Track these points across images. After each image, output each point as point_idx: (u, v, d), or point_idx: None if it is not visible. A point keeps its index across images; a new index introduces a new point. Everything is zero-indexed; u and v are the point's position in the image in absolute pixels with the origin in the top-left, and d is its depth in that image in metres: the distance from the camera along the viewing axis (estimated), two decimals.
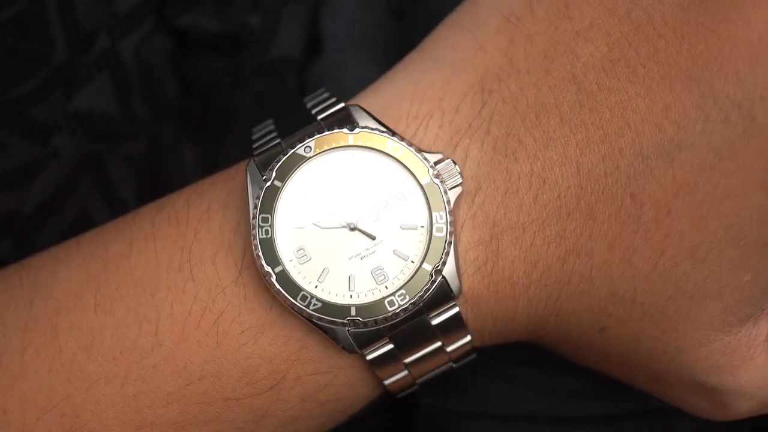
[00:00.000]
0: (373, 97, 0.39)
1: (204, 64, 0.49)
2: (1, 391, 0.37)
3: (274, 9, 0.48)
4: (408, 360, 0.38)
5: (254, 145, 0.38)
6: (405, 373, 0.38)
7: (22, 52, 0.43)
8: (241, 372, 0.37)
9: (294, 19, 0.49)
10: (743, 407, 0.39)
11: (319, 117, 0.38)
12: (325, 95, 0.39)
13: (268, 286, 0.36)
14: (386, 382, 0.38)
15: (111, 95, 0.47)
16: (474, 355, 0.39)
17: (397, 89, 0.38)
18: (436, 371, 0.39)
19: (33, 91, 0.43)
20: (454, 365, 0.39)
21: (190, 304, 0.37)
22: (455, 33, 0.39)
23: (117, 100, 0.47)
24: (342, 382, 0.38)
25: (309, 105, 0.39)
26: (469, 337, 0.38)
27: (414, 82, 0.38)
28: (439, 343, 0.38)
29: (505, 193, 0.36)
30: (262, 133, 0.39)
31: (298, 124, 0.38)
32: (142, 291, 0.37)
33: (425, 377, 0.39)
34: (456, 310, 0.37)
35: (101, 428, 0.37)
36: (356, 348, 0.37)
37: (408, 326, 0.37)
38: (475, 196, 0.37)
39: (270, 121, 0.39)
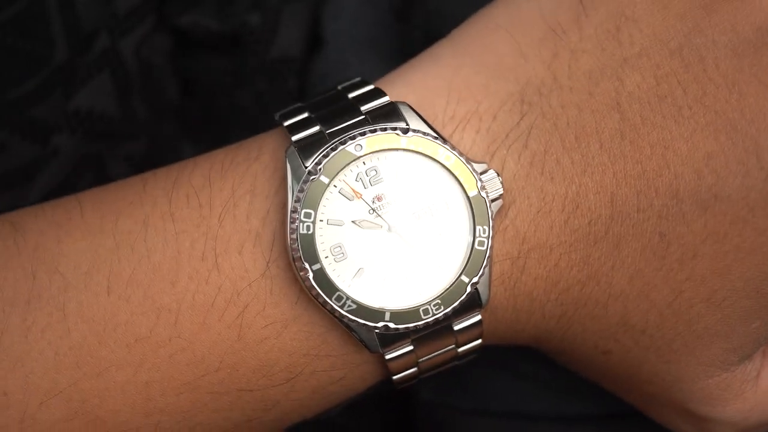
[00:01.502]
0: (403, 88, 0.38)
1: (204, 64, 0.48)
2: (1, 373, 0.35)
3: (274, 8, 0.47)
4: (422, 359, 0.38)
5: (286, 124, 0.37)
6: (414, 369, 0.38)
7: (22, 52, 0.42)
8: (259, 365, 0.36)
9: (294, 19, 0.48)
10: None
11: (363, 108, 0.37)
12: (365, 83, 0.38)
13: (300, 282, 0.35)
14: (395, 377, 0.38)
15: (111, 95, 0.46)
16: (477, 354, 0.40)
17: (429, 83, 0.38)
18: (442, 368, 0.39)
19: (33, 91, 0.42)
20: (458, 362, 0.39)
21: (213, 295, 0.36)
22: (493, 32, 0.38)
23: (117, 99, 0.46)
24: (356, 376, 0.38)
25: (346, 91, 0.38)
26: (480, 340, 0.38)
27: (448, 79, 0.38)
28: (453, 345, 0.38)
29: (538, 212, 0.36)
30: (294, 116, 0.37)
31: (337, 111, 0.37)
32: (161, 278, 0.36)
33: (430, 373, 0.39)
34: (479, 318, 0.37)
35: (108, 414, 0.36)
36: (379, 348, 0.36)
37: (433, 334, 0.37)
38: (508, 210, 0.37)
39: (300, 104, 0.38)
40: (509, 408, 0.47)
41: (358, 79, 0.38)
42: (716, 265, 0.36)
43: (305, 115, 0.37)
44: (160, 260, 0.36)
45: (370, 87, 0.37)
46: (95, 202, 0.37)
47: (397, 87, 0.38)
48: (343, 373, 0.37)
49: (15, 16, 0.41)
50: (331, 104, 0.38)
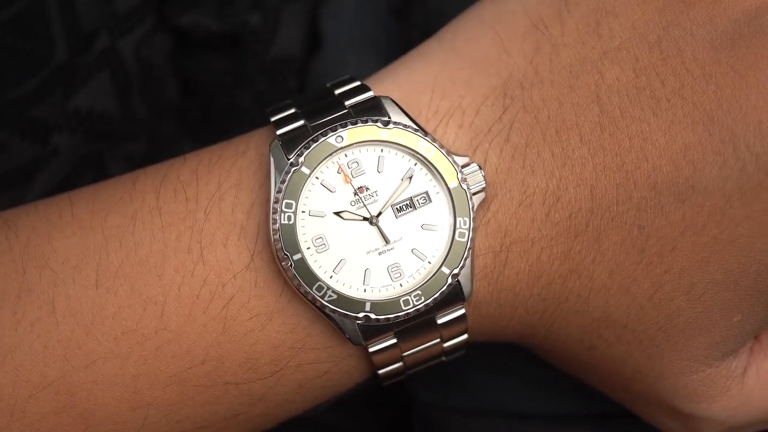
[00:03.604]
0: (390, 84, 0.38)
1: (204, 64, 0.49)
2: None
3: (274, 8, 0.48)
4: (406, 353, 0.38)
5: (272, 119, 0.38)
6: (400, 364, 0.38)
7: (22, 52, 0.42)
8: (244, 357, 0.36)
9: (294, 18, 0.48)
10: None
11: (347, 102, 0.37)
12: (352, 80, 0.38)
13: (282, 272, 0.36)
14: (380, 372, 0.38)
15: (111, 95, 0.46)
16: (464, 351, 0.40)
17: (415, 78, 0.38)
18: (428, 364, 0.39)
19: (33, 91, 0.43)
20: (444, 359, 0.39)
21: (199, 287, 0.36)
22: (478, 28, 0.39)
23: (117, 99, 0.47)
24: (341, 369, 0.38)
25: (334, 88, 0.38)
26: (466, 336, 0.38)
27: (433, 75, 0.38)
28: (438, 339, 0.38)
29: (519, 205, 0.37)
30: (281, 112, 0.38)
31: (323, 106, 0.37)
32: (147, 270, 0.36)
33: (416, 369, 0.39)
34: (462, 311, 0.37)
35: (97, 407, 0.36)
36: (362, 341, 0.37)
37: (416, 327, 0.37)
38: (491, 203, 0.37)
39: (288, 101, 0.38)
40: (505, 407, 0.47)
41: (346, 76, 0.39)
42: (695, 257, 0.36)
43: (292, 110, 0.38)
44: (147, 253, 0.36)
45: (356, 83, 0.38)
46: (86, 200, 0.38)
47: (384, 83, 0.39)
48: (328, 366, 0.37)
49: (15, 16, 0.42)
50: (318, 100, 0.38)
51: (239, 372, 0.37)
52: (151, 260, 0.36)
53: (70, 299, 0.36)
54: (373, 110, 0.37)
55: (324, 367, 0.37)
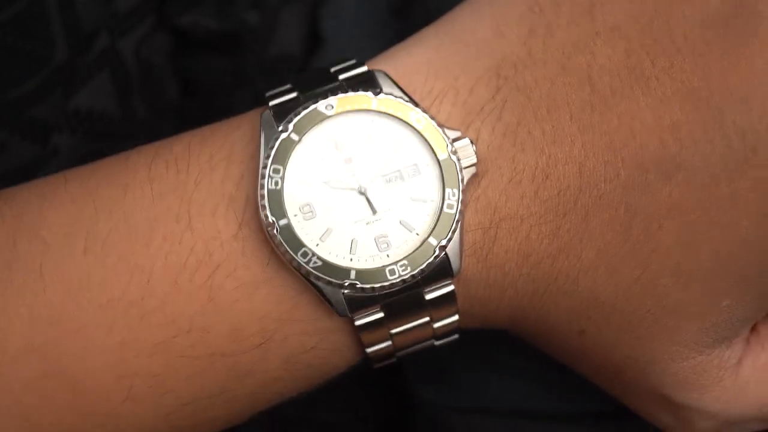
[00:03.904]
0: (385, 65, 0.39)
1: (204, 64, 0.49)
2: None
3: (273, 8, 0.48)
4: (394, 330, 0.37)
5: (268, 94, 0.38)
6: (388, 343, 0.38)
7: (22, 52, 0.43)
8: (230, 328, 0.36)
9: (294, 18, 0.49)
10: (705, 426, 0.39)
11: (341, 77, 0.38)
12: (347, 59, 0.39)
13: (269, 239, 0.36)
14: (369, 350, 0.37)
15: (111, 95, 0.47)
16: (456, 336, 0.39)
17: (411, 61, 0.38)
18: (418, 346, 0.38)
19: (33, 91, 0.43)
20: (436, 342, 0.39)
21: (186, 255, 0.36)
22: (474, 14, 0.39)
23: (117, 99, 0.47)
24: (327, 346, 0.37)
25: (329, 67, 0.39)
26: (457, 317, 0.38)
27: (429, 57, 0.38)
28: (427, 318, 0.37)
29: (509, 182, 0.36)
30: (278, 88, 0.38)
31: (316, 79, 0.38)
32: (136, 239, 0.36)
33: (406, 350, 0.38)
34: (451, 288, 0.37)
35: (84, 374, 0.36)
36: (348, 311, 0.36)
37: (402, 297, 0.36)
38: (481, 179, 0.37)
39: (289, 83, 0.39)
40: (508, 406, 0.46)
41: (341, 57, 0.39)
42: (681, 237, 0.35)
43: (287, 86, 0.38)
44: (137, 222, 0.36)
45: (352, 61, 0.38)
46: (80, 176, 0.38)
47: (379, 64, 0.39)
48: (315, 341, 0.37)
49: (15, 16, 0.42)
50: (313, 76, 0.38)
51: (225, 343, 0.36)
52: (140, 229, 0.36)
53: (58, 266, 0.36)
54: (367, 83, 0.37)
55: (311, 341, 0.37)
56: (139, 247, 0.36)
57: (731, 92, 0.35)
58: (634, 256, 0.36)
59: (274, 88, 0.38)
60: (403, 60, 0.39)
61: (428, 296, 0.37)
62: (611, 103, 0.36)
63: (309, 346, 0.37)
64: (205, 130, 0.38)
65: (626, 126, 0.35)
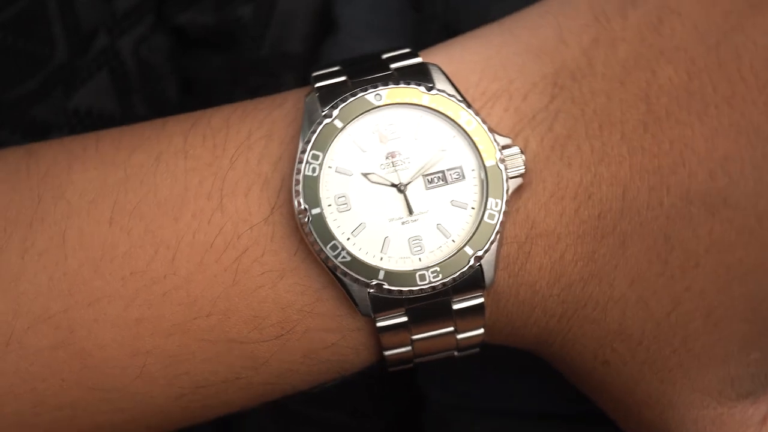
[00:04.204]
0: (442, 58, 0.37)
1: (203, 63, 0.48)
2: None
3: (268, 2, 0.47)
4: (416, 336, 0.36)
5: (314, 74, 0.36)
6: (408, 348, 0.36)
7: (22, 52, 0.42)
8: (251, 315, 0.35)
9: (290, 13, 0.47)
10: None
11: (393, 65, 0.36)
12: (402, 48, 0.37)
13: (299, 228, 0.34)
14: (387, 353, 0.36)
15: (110, 94, 0.46)
16: (477, 349, 0.38)
17: (467, 57, 0.37)
18: (438, 355, 0.37)
19: (33, 90, 0.43)
20: (456, 354, 0.37)
21: (214, 236, 0.35)
22: (540, 17, 0.37)
23: (116, 98, 0.46)
24: (348, 344, 0.36)
25: (381, 53, 0.37)
26: (482, 330, 0.36)
27: (487, 56, 0.37)
28: (451, 328, 0.36)
29: (551, 197, 0.35)
30: (326, 68, 0.37)
31: (367, 67, 0.36)
32: (164, 213, 0.35)
33: (425, 358, 0.37)
34: (481, 300, 0.35)
35: (95, 348, 0.35)
36: (371, 312, 0.35)
37: (428, 303, 0.35)
38: (523, 191, 0.35)
39: (338, 65, 0.37)
40: (522, 407, 0.45)
41: (395, 45, 0.38)
42: (717, 278, 0.34)
43: (336, 68, 0.37)
44: (167, 195, 0.35)
45: (406, 50, 0.37)
46: (113, 137, 0.37)
47: (434, 56, 0.37)
48: (336, 338, 0.36)
49: (15, 16, 0.42)
50: (364, 62, 0.37)
51: (244, 330, 0.35)
52: (169, 203, 0.35)
53: (82, 233, 0.35)
54: (419, 75, 0.35)
55: (331, 337, 0.36)
56: (167, 222, 0.35)
57: None
58: (667, 292, 0.34)
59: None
60: (460, 55, 0.37)
61: (456, 306, 0.35)
62: (665, 126, 0.34)
63: (329, 343, 0.36)
64: (247, 105, 0.37)
65: (677, 152, 0.34)
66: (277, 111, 0.36)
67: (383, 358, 0.37)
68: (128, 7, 0.45)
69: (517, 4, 0.39)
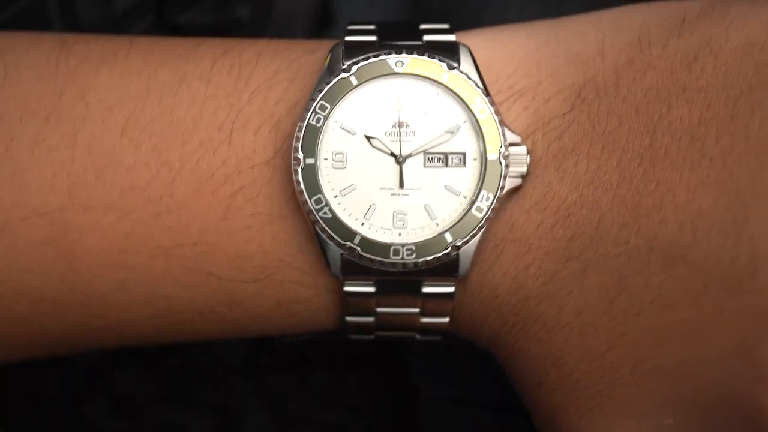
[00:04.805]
0: (482, 42, 0.37)
1: None
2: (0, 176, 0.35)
3: (266, 2, 0.46)
4: (381, 309, 0.36)
5: (350, 28, 0.36)
6: (371, 319, 0.36)
7: None
8: (235, 253, 0.35)
9: (288, 13, 0.46)
10: None
11: (425, 38, 0.36)
12: (442, 23, 0.37)
13: (293, 175, 0.34)
14: (348, 319, 0.36)
15: None
16: (439, 338, 0.37)
17: (511, 46, 0.36)
18: (400, 333, 0.37)
19: None
20: (418, 336, 0.37)
21: (216, 167, 0.35)
22: (591, 25, 0.37)
23: None
24: (320, 302, 0.36)
25: (420, 24, 0.37)
26: (447, 319, 0.36)
27: (527, 51, 0.36)
28: (417, 309, 0.36)
29: (535, 205, 0.35)
30: (362, 25, 0.37)
31: (400, 33, 0.36)
32: (174, 134, 0.35)
33: (387, 333, 0.37)
34: (452, 289, 0.35)
35: (83, 252, 0.35)
36: (340, 273, 0.35)
37: (398, 279, 0.35)
38: (514, 192, 0.35)
39: (373, 25, 0.37)
40: (517, 400, 0.44)
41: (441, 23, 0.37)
42: (654, 332, 0.33)
43: (371, 27, 0.36)
44: (181, 117, 0.35)
45: (444, 26, 0.36)
46: (146, 46, 0.37)
47: (477, 39, 0.37)
48: (310, 294, 0.36)
49: (15, 16, 0.42)
50: (399, 28, 0.37)
51: (226, 267, 0.35)
52: (181, 125, 0.35)
53: (93, 138, 0.35)
54: (447, 53, 0.35)
55: (306, 293, 0.36)
56: (175, 144, 0.35)
57: (764, 208, 0.31)
58: (606, 332, 0.34)
59: None
60: (503, 45, 0.37)
61: (425, 289, 0.35)
62: (658, 165, 0.33)
63: (303, 297, 0.36)
64: (282, 44, 0.37)
65: (659, 195, 0.33)
66: (306, 57, 0.36)
67: (345, 324, 0.37)
68: (128, 7, 0.45)
69: (512, 2, 0.38)
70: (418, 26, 0.36)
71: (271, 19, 0.45)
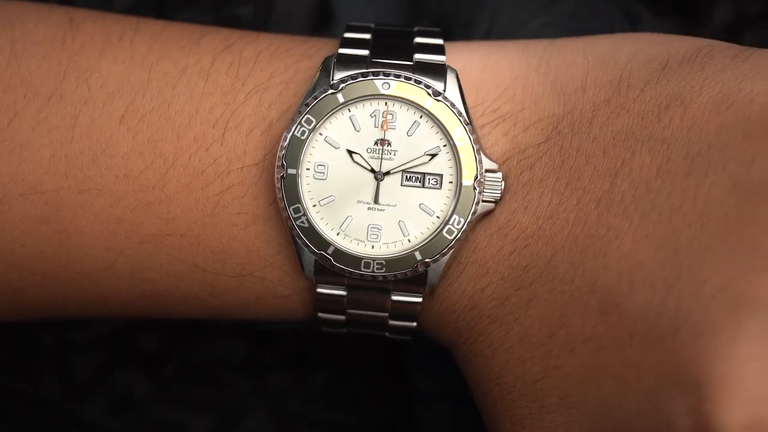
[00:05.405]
0: (474, 62, 0.37)
1: None
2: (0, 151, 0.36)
3: (266, 1, 0.47)
4: (352, 311, 0.38)
5: (346, 35, 0.37)
6: (342, 317, 0.38)
7: None
8: (219, 248, 0.37)
9: (288, 12, 0.46)
10: None
11: (416, 57, 0.37)
12: (437, 36, 0.38)
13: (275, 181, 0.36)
14: (321, 315, 0.38)
15: None
16: (409, 338, 0.39)
17: (501, 67, 0.37)
18: (371, 330, 0.39)
19: None
20: (387, 334, 0.39)
21: (208, 164, 0.36)
22: (582, 56, 0.37)
23: None
24: (298, 299, 0.38)
25: (414, 36, 0.38)
26: (415, 324, 0.38)
27: (516, 75, 0.37)
28: (386, 314, 0.38)
29: (498, 230, 0.36)
30: (356, 33, 0.38)
31: (393, 48, 0.37)
32: (171, 127, 0.36)
33: (358, 330, 0.39)
34: (419, 299, 0.37)
35: (75, 232, 0.37)
36: (313, 275, 0.36)
37: (370, 286, 0.37)
38: (483, 216, 0.36)
39: (372, 24, 0.38)
40: None
41: (437, 29, 0.38)
42: (583, 370, 0.34)
43: (366, 36, 0.37)
44: (178, 111, 0.37)
45: (438, 42, 0.37)
46: (151, 34, 0.38)
47: (466, 57, 0.37)
48: (288, 292, 0.38)
49: None
50: (395, 38, 0.38)
51: (210, 260, 0.37)
52: (178, 119, 0.37)
53: (93, 122, 0.37)
54: (434, 75, 0.36)
55: (284, 291, 0.38)
56: (170, 137, 0.37)
57: (699, 270, 0.31)
58: (541, 362, 0.35)
59: None
60: (494, 63, 0.37)
61: (394, 296, 0.37)
62: (612, 211, 0.34)
63: (281, 295, 0.38)
64: (283, 43, 0.38)
65: (607, 241, 0.33)
66: (303, 61, 0.37)
67: (317, 318, 0.39)
68: (127, 6, 0.45)
69: (508, 1, 0.38)
70: (412, 39, 0.37)
71: (272, 18, 0.46)
